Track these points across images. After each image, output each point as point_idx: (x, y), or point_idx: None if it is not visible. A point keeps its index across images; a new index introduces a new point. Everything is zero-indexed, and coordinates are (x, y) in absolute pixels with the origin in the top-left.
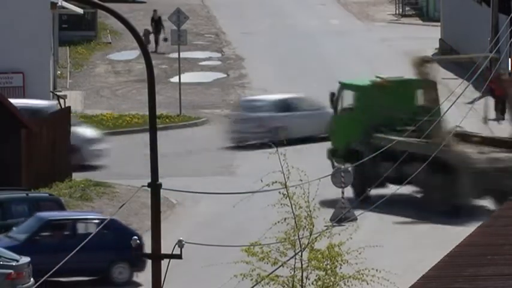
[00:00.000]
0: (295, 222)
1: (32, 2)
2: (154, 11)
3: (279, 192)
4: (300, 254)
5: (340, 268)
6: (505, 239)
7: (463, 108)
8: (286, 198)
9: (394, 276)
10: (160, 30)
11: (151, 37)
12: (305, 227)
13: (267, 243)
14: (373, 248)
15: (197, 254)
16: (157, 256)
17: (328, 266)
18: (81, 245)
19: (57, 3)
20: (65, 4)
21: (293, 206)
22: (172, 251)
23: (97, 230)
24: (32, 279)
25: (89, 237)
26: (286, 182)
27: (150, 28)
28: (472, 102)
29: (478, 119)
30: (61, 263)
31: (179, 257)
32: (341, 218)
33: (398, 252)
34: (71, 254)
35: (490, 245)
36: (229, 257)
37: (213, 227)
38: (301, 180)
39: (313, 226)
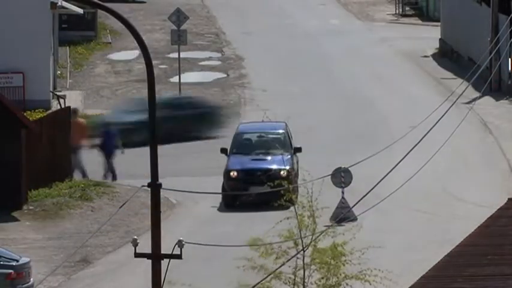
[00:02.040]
0: (297, 221)
1: (32, 2)
2: None
3: (282, 192)
4: (302, 252)
5: (344, 266)
6: (505, 239)
7: (462, 109)
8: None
9: (394, 276)
10: None
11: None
12: (308, 226)
13: (270, 243)
14: (372, 248)
15: (197, 254)
16: (157, 256)
17: (331, 267)
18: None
19: (57, 3)
20: (65, 4)
21: (296, 205)
22: (172, 251)
23: None
24: (32, 279)
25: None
26: (289, 183)
27: None
28: (470, 102)
29: (477, 118)
30: None
31: (179, 257)
32: (341, 218)
33: (399, 252)
34: None
35: (490, 245)
36: (230, 257)
37: (213, 226)
38: (304, 180)
39: (316, 225)
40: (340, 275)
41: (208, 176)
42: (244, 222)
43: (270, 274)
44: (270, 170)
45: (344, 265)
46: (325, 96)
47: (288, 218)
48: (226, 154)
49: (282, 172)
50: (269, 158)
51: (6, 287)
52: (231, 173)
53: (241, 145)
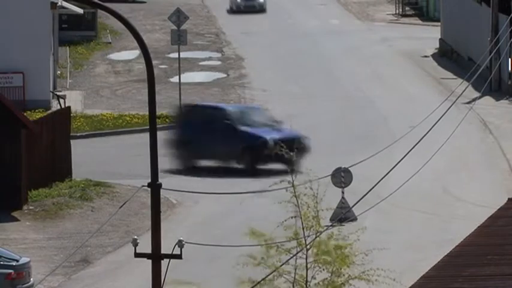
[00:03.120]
0: (301, 221)
1: (32, 2)
2: None
3: (286, 190)
4: (305, 252)
5: (348, 268)
6: (505, 239)
7: (462, 109)
8: (293, 197)
9: (394, 276)
10: None
11: None
12: (312, 226)
13: (273, 243)
14: (375, 248)
15: (197, 254)
16: (157, 256)
17: (335, 268)
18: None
19: (57, 3)
20: (65, 4)
21: (300, 205)
22: (172, 251)
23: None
24: (32, 279)
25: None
26: (293, 181)
27: None
28: (470, 102)
29: (477, 118)
30: None
31: (179, 257)
32: (341, 218)
33: (399, 252)
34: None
35: (490, 245)
36: (230, 257)
37: (213, 226)
38: (309, 181)
39: (319, 226)
40: (344, 275)
41: (208, 176)
42: (244, 222)
43: (271, 273)
44: (298, 138)
45: (349, 266)
46: (325, 96)
47: (292, 217)
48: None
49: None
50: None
51: (6, 287)
52: (270, 142)
53: (244, 120)
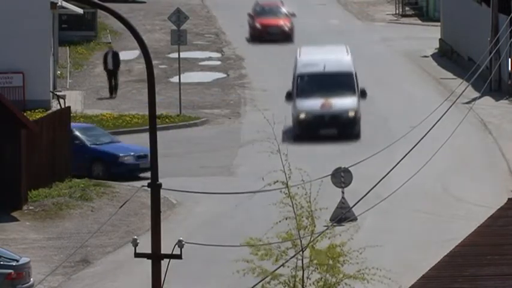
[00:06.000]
0: (296, 221)
1: (32, 2)
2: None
3: (280, 191)
4: (301, 253)
5: (342, 266)
6: (505, 239)
7: (462, 109)
8: (288, 197)
9: (394, 276)
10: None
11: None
12: (306, 227)
13: (269, 243)
14: (373, 247)
15: (197, 254)
16: (157, 256)
17: (329, 267)
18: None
19: (57, 3)
20: (65, 4)
21: (294, 206)
22: (172, 251)
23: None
24: (32, 279)
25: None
26: (287, 182)
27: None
28: (470, 102)
29: (477, 118)
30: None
31: (179, 257)
32: (341, 218)
33: (399, 252)
34: None
35: (490, 245)
36: (230, 257)
37: (213, 227)
38: (303, 181)
39: (314, 226)
40: (338, 275)
41: (208, 176)
42: (244, 222)
43: (268, 275)
44: None
45: (342, 265)
46: None
47: (287, 218)
48: None
49: None
50: None
51: (6, 287)
52: None
53: None
